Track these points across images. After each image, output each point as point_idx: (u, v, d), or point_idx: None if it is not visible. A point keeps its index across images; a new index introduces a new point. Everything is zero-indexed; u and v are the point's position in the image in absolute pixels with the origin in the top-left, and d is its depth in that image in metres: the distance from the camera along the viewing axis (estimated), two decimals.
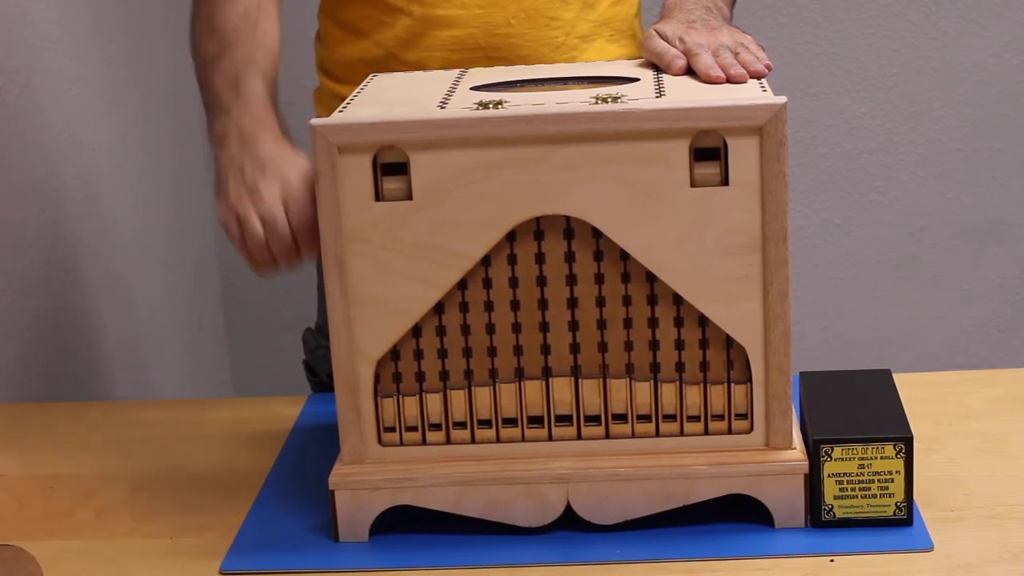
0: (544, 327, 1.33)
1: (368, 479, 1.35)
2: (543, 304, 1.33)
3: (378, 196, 1.30)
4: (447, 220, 1.30)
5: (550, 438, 1.35)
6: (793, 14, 2.73)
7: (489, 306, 1.33)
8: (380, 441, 1.36)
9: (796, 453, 1.33)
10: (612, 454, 1.34)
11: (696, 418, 1.34)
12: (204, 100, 1.56)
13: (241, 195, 1.42)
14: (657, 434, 1.34)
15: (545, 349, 1.34)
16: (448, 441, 1.36)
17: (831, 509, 1.33)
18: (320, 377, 1.80)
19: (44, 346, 2.05)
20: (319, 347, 1.79)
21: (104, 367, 2.26)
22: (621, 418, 1.34)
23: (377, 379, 1.35)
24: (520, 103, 1.31)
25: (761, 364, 1.32)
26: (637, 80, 1.40)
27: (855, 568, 1.28)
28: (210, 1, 1.58)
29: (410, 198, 1.30)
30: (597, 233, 1.30)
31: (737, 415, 1.34)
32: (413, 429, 1.36)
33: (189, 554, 1.37)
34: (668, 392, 1.33)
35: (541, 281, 1.32)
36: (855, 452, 1.31)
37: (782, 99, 1.27)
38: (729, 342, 1.32)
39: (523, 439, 1.35)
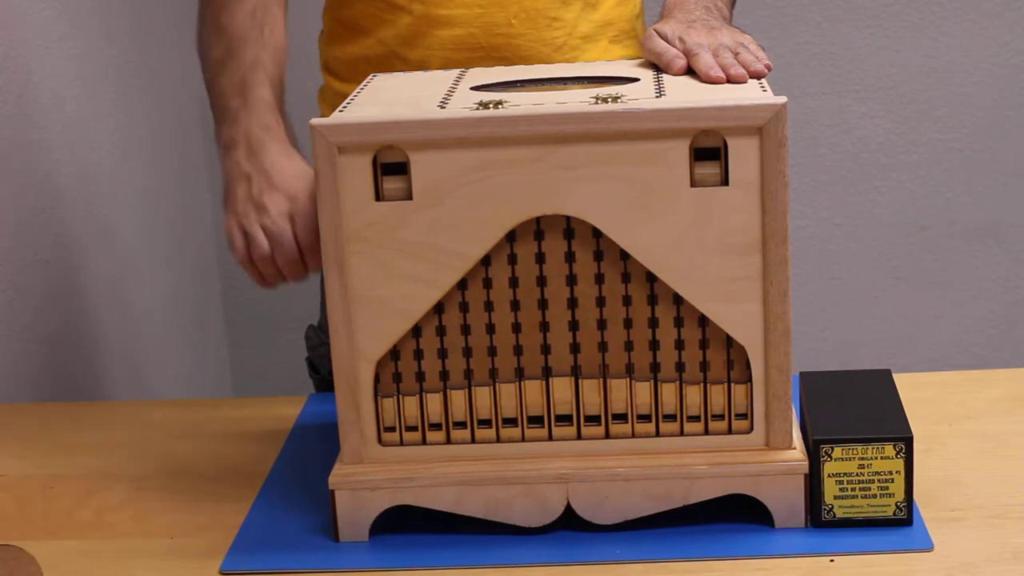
0: (544, 327, 1.33)
1: (368, 479, 1.35)
2: (543, 304, 1.33)
3: (378, 196, 1.30)
4: (447, 220, 1.30)
5: (550, 438, 1.35)
6: (793, 14, 2.73)
7: (489, 306, 1.33)
8: (380, 441, 1.36)
9: (796, 453, 1.33)
10: (612, 454, 1.34)
11: (696, 418, 1.34)
12: (211, 102, 1.56)
13: (248, 208, 1.42)
14: (657, 434, 1.34)
15: (545, 349, 1.33)
16: (448, 441, 1.36)
17: (831, 509, 1.33)
18: (322, 374, 1.80)
19: (44, 346, 2.04)
20: (321, 344, 1.79)
21: (104, 367, 2.26)
22: (621, 418, 1.34)
23: (377, 379, 1.35)
24: (520, 103, 1.31)
25: (761, 364, 1.32)
26: (637, 80, 1.40)
27: (855, 568, 1.28)
28: (216, 1, 1.58)
29: (410, 198, 1.30)
30: (597, 233, 1.30)
31: (737, 415, 1.34)
32: (413, 429, 1.36)
33: (189, 554, 1.37)
34: (668, 392, 1.33)
35: (541, 281, 1.32)
36: (855, 452, 1.31)
37: (782, 99, 1.27)
38: (729, 342, 1.32)
39: (523, 439, 1.35)
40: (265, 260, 1.42)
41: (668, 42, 1.44)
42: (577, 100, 1.31)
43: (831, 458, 1.32)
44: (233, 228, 1.43)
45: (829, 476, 1.32)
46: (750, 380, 1.32)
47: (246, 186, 1.44)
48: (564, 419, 1.35)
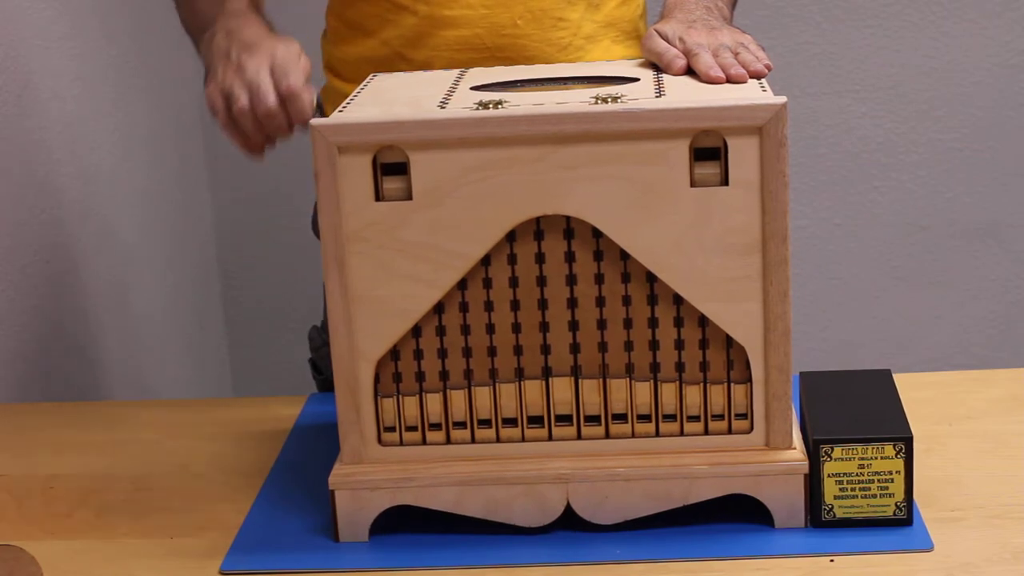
0: (544, 327, 1.33)
1: (368, 479, 1.35)
2: (543, 304, 1.33)
3: (378, 196, 1.30)
4: (447, 220, 1.30)
5: (550, 438, 1.35)
6: (793, 14, 2.73)
7: (489, 306, 1.33)
8: (380, 441, 1.36)
9: (796, 453, 1.33)
10: (612, 454, 1.34)
11: (696, 418, 1.34)
12: (191, 34, 1.60)
13: (227, 72, 1.41)
14: (657, 434, 1.34)
15: (545, 349, 1.33)
16: (448, 441, 1.36)
17: (831, 509, 1.33)
18: (325, 375, 1.80)
19: (44, 346, 2.05)
20: (324, 344, 1.79)
21: (104, 367, 2.26)
22: (621, 418, 1.34)
23: (377, 379, 1.35)
24: (520, 103, 1.31)
25: (761, 364, 1.32)
26: (637, 80, 1.40)
27: (855, 568, 1.28)
28: None
29: (410, 198, 1.30)
30: (597, 233, 1.30)
31: (737, 415, 1.34)
32: (413, 429, 1.36)
33: (189, 554, 1.37)
34: (668, 392, 1.33)
35: (541, 281, 1.32)
36: (855, 452, 1.31)
37: (782, 99, 1.27)
38: (729, 342, 1.32)
39: (523, 439, 1.35)
40: (244, 114, 1.38)
41: (668, 42, 1.44)
42: (577, 100, 1.31)
43: (831, 458, 1.32)
44: (215, 93, 1.41)
45: (829, 476, 1.32)
46: (750, 380, 1.32)
47: (224, 58, 1.43)
48: (564, 419, 1.35)
